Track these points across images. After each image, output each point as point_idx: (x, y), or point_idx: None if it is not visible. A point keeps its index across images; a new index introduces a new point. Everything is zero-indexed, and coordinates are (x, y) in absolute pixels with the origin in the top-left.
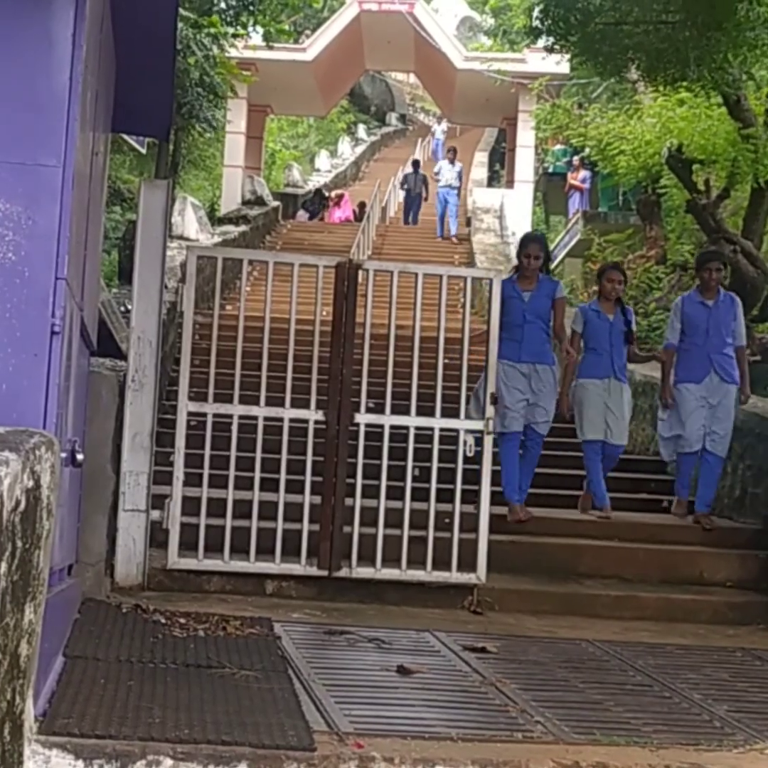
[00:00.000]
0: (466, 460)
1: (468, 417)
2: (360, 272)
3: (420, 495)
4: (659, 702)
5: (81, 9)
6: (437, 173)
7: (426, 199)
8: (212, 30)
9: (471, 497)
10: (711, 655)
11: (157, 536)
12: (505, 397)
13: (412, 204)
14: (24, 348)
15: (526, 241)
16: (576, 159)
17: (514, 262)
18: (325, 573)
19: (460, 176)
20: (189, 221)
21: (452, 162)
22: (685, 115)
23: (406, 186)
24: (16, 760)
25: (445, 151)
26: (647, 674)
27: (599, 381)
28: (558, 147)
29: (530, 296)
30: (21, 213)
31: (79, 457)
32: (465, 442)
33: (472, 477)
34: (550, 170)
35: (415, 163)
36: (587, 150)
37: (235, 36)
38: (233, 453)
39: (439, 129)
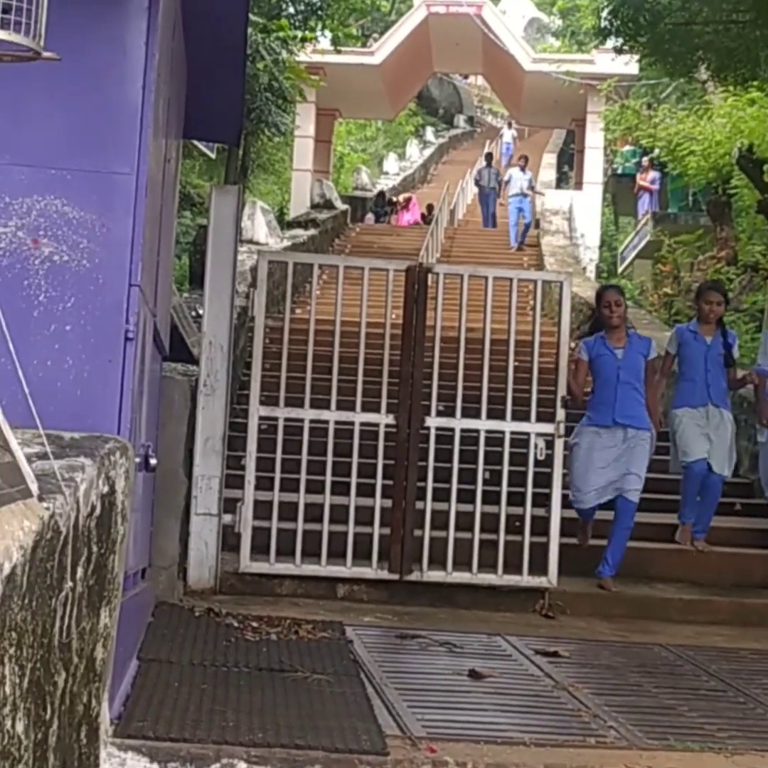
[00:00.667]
0: (537, 463)
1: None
2: (430, 276)
3: (490, 498)
4: (733, 707)
5: (153, 18)
6: (507, 182)
7: (499, 194)
8: (281, 34)
9: (542, 500)
10: None
11: (229, 540)
12: (586, 471)
13: (486, 199)
14: (98, 354)
15: (601, 292)
16: (645, 160)
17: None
18: (396, 576)
19: (531, 184)
20: (258, 225)
21: (523, 170)
22: (756, 114)
23: (480, 182)
24: (93, 763)
25: (515, 157)
26: (721, 679)
27: (694, 410)
28: (627, 148)
29: (623, 353)
30: (95, 221)
31: (153, 461)
32: (536, 446)
33: (543, 480)
34: (619, 171)
35: (489, 157)
36: (656, 151)
37: (303, 40)
38: (304, 457)
39: (509, 133)
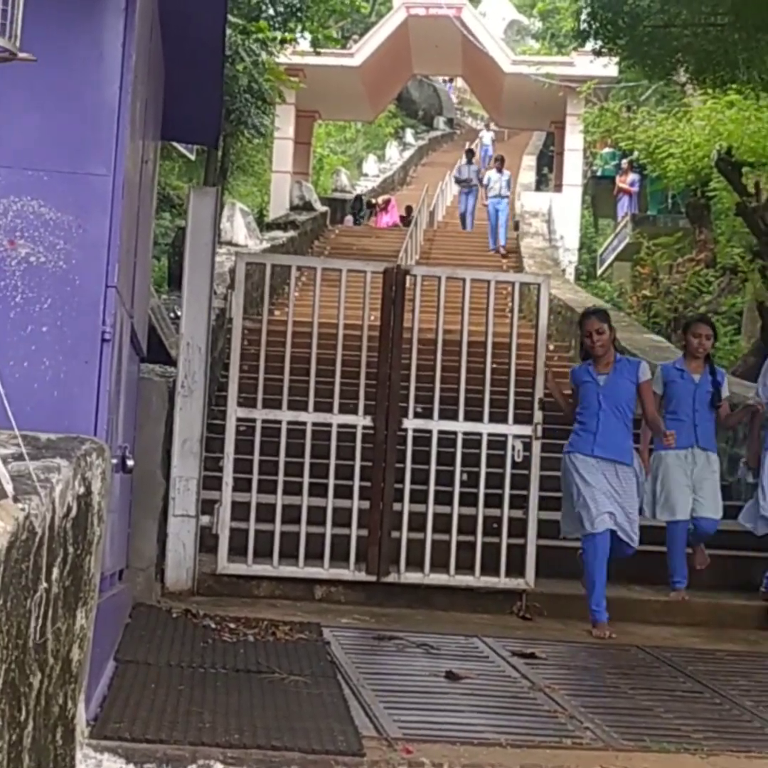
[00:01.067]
0: (515, 465)
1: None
2: (408, 277)
3: (468, 500)
4: (710, 708)
5: (130, 19)
6: (486, 185)
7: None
8: (260, 36)
9: (520, 502)
10: (762, 661)
11: (206, 541)
12: (585, 490)
13: (466, 198)
14: (75, 355)
15: (583, 318)
16: (625, 162)
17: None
18: (373, 578)
19: (509, 185)
20: (238, 227)
21: (500, 171)
22: (735, 117)
23: (460, 178)
24: (68, 764)
25: (493, 160)
26: (697, 680)
27: (680, 452)
28: (606, 150)
29: (606, 380)
30: (72, 222)
31: (130, 462)
32: (513, 448)
33: (521, 482)
34: (599, 173)
35: (469, 153)
36: (636, 153)
37: (283, 42)
38: (282, 458)
39: (488, 136)
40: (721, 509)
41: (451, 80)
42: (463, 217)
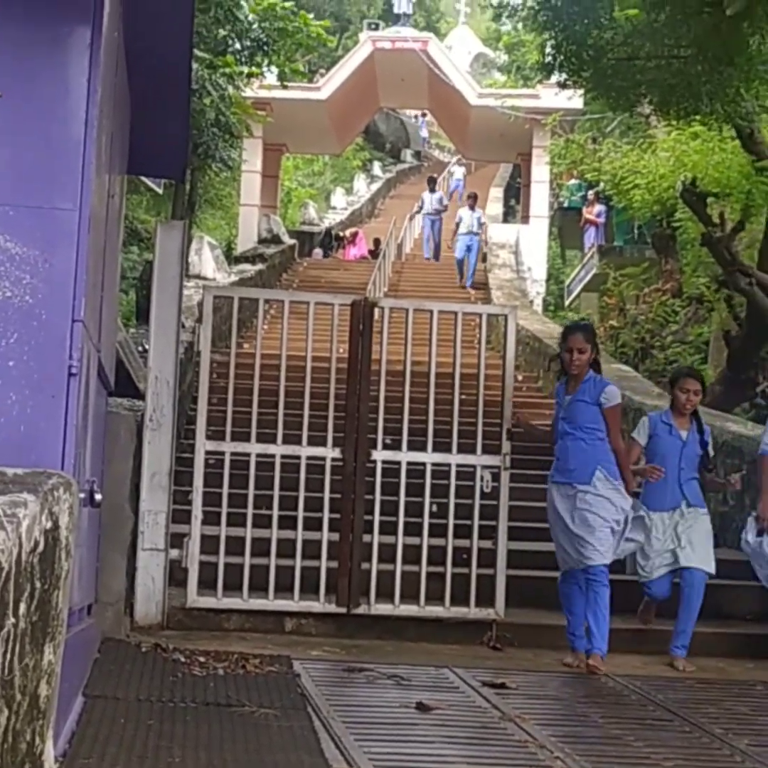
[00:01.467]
0: (484, 495)
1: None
2: (376, 310)
3: (438, 531)
4: (679, 736)
5: (95, 55)
6: (458, 223)
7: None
8: (227, 70)
9: (488, 533)
10: (731, 689)
11: (176, 575)
12: (553, 528)
13: (432, 225)
14: (42, 390)
15: (567, 332)
16: (591, 193)
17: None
18: (343, 610)
19: (480, 223)
20: (206, 260)
21: (472, 208)
22: (699, 148)
23: (423, 208)
24: None
25: (464, 196)
26: (667, 708)
27: (666, 513)
28: (573, 182)
29: (569, 401)
30: (38, 256)
31: (98, 497)
32: (482, 478)
33: (490, 512)
34: (566, 205)
35: (431, 181)
36: (602, 184)
37: (249, 76)
38: (251, 491)
39: (460, 171)
40: (713, 564)
41: (424, 115)
42: (426, 242)
